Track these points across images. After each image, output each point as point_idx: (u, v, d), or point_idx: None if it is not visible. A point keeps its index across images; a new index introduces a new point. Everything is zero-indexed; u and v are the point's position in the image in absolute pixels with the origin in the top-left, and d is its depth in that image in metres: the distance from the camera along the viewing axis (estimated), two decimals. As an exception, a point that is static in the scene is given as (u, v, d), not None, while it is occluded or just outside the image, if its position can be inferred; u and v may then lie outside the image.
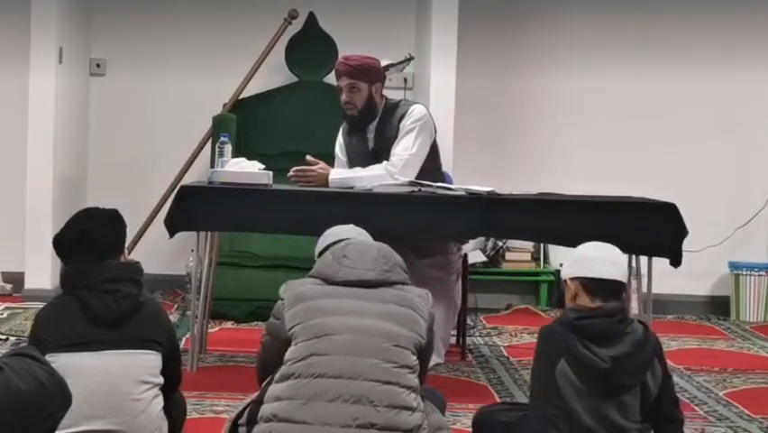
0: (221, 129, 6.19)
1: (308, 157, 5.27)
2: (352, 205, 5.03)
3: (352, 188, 5.11)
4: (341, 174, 5.24)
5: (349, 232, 3.60)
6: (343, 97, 5.31)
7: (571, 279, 3.44)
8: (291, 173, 5.25)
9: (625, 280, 3.47)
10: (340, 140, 5.52)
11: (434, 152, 5.39)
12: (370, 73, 5.30)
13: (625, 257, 3.56)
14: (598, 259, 3.42)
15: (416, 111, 5.32)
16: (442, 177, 5.44)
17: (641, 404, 3.39)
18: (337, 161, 5.49)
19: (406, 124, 5.27)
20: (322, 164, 5.26)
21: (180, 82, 7.50)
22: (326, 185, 5.15)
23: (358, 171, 5.23)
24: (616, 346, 3.33)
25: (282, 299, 3.28)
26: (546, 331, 3.43)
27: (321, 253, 3.51)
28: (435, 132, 5.39)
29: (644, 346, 3.37)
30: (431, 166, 5.35)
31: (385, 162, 5.21)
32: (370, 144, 5.37)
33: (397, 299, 3.27)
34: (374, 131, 5.36)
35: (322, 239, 3.61)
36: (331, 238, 3.56)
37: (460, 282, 5.50)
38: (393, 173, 5.15)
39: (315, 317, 3.19)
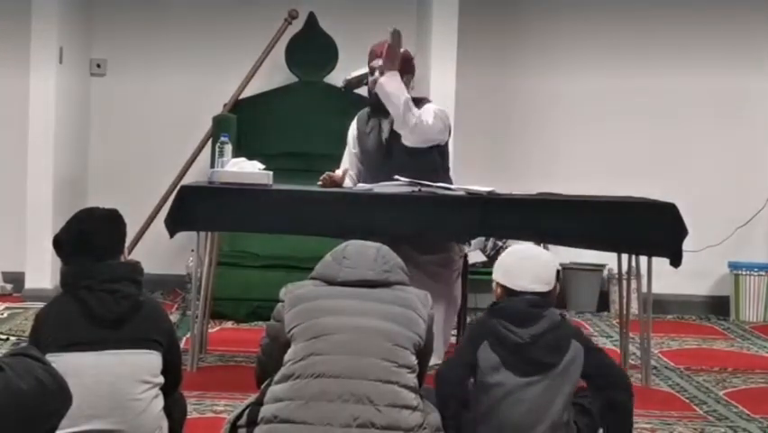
0: (221, 129, 6.19)
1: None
2: (352, 205, 5.04)
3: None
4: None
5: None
6: (375, 76, 5.36)
7: (497, 282, 3.59)
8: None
9: (548, 289, 3.55)
10: (354, 129, 5.54)
11: (444, 152, 5.45)
12: (405, 62, 5.40)
13: (551, 267, 3.58)
14: (520, 273, 3.54)
15: (434, 104, 5.50)
16: (449, 178, 5.45)
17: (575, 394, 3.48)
18: (347, 150, 5.52)
19: (423, 106, 5.37)
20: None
21: (180, 82, 7.51)
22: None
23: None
24: (533, 327, 3.45)
25: (282, 302, 3.29)
26: (474, 320, 3.64)
27: None
28: (450, 133, 5.46)
29: (561, 328, 3.49)
30: (440, 166, 5.38)
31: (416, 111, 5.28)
32: (384, 135, 5.39)
33: (396, 299, 3.27)
34: (390, 122, 5.39)
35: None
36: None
37: (460, 281, 5.50)
38: (417, 115, 5.24)
39: (315, 317, 3.20)
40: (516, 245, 3.81)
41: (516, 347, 3.43)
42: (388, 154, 5.36)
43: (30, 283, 6.89)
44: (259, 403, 3.20)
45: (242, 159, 5.21)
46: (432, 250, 5.32)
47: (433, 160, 5.37)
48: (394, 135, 5.36)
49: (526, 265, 3.56)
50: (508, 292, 3.56)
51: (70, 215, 3.47)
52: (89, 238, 3.34)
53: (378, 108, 5.40)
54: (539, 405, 3.40)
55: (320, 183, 5.25)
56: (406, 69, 5.40)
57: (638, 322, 5.27)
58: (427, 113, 5.31)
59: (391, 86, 5.25)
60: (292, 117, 7.24)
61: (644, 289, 5.12)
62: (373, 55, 5.40)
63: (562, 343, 3.46)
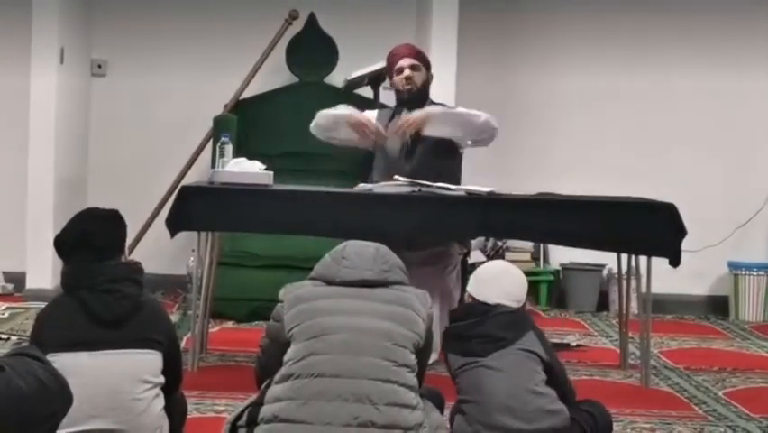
0: (222, 129, 6.19)
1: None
2: (352, 205, 5.04)
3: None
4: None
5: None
6: (405, 74, 5.41)
7: (468, 294, 3.75)
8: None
9: (516, 306, 3.67)
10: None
11: (461, 160, 5.51)
12: (427, 62, 5.54)
13: (522, 285, 3.72)
14: (489, 286, 3.68)
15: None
16: (459, 180, 5.45)
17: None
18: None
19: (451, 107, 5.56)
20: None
21: (181, 83, 7.51)
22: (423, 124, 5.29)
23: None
24: (479, 318, 3.63)
25: (282, 302, 3.30)
26: None
27: None
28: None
29: (515, 314, 3.64)
30: (456, 170, 5.44)
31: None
32: (408, 134, 5.40)
33: (395, 299, 3.28)
34: None
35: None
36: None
37: (455, 275, 5.49)
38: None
39: (314, 317, 3.21)
40: (490, 262, 4.03)
41: (464, 330, 3.61)
42: (410, 154, 5.38)
43: (31, 283, 6.90)
44: (259, 403, 3.21)
45: (243, 159, 5.21)
46: (422, 246, 5.30)
47: (451, 163, 5.39)
48: (418, 136, 5.38)
49: (497, 281, 3.69)
50: (475, 301, 3.69)
51: (71, 215, 3.47)
52: (90, 238, 3.34)
53: (407, 103, 5.43)
54: (512, 378, 3.49)
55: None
56: (430, 68, 5.54)
57: (638, 322, 5.27)
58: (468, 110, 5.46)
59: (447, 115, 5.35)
60: (292, 117, 7.22)
61: (644, 288, 5.12)
62: (398, 57, 5.47)
63: (518, 325, 3.59)
